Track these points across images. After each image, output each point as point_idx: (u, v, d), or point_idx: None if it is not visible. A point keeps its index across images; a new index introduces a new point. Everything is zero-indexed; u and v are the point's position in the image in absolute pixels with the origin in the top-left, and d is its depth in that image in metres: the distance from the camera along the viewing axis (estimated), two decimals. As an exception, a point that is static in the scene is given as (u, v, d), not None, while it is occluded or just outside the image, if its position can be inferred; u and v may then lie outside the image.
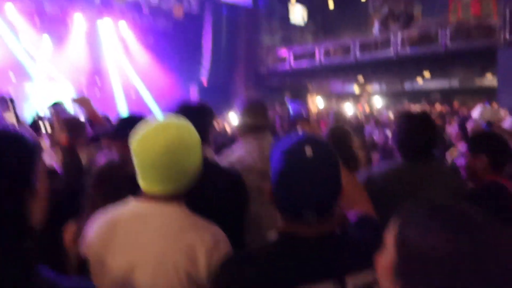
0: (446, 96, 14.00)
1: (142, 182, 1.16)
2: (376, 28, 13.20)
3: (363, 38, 13.19)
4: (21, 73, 13.43)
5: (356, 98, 14.82)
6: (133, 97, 16.05)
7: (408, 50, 12.20)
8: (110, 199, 1.32)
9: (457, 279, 0.58)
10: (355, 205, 1.15)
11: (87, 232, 1.22)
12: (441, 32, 11.40)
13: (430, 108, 11.89)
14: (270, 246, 1.02)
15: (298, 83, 15.82)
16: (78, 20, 14.12)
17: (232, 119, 11.38)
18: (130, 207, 1.19)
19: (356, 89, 16.21)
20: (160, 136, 1.13)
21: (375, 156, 5.16)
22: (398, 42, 12.27)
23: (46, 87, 13.81)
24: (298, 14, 16.65)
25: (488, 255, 0.59)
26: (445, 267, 0.59)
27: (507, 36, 10.03)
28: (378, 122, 9.80)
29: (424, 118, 1.79)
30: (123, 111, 15.57)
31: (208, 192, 1.29)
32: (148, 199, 1.17)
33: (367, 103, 13.65)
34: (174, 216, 1.17)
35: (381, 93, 14.95)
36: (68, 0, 13.32)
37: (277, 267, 0.87)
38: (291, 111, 1.54)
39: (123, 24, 15.19)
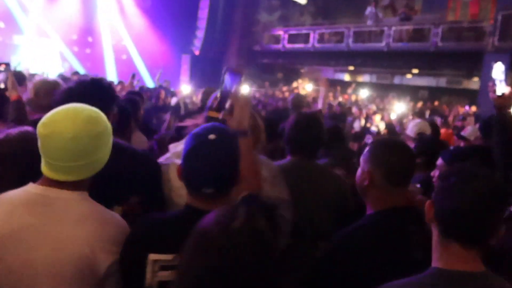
0: (433, 94, 14.13)
1: (44, 167, 1.15)
2: (368, 11, 13.11)
3: (358, 26, 13.14)
4: (12, 24, 13.27)
5: (345, 86, 14.88)
6: (123, 58, 15.98)
7: (400, 45, 12.22)
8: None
9: None
10: (248, 185, 1.29)
11: None
12: (433, 31, 11.41)
13: (413, 105, 12.06)
14: (176, 217, 1.21)
15: (290, 64, 15.81)
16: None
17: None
18: (30, 191, 1.15)
19: (346, 77, 16.26)
20: (68, 122, 1.11)
21: (354, 146, 5.29)
22: (391, 35, 12.28)
23: (36, 41, 13.68)
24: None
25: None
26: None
27: (496, 41, 10.09)
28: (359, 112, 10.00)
29: (311, 118, 1.95)
30: (112, 71, 15.62)
31: (113, 175, 1.29)
32: (50, 184, 1.14)
33: (353, 92, 13.74)
34: (75, 203, 1.15)
35: (370, 84, 15.01)
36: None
37: (180, 236, 0.96)
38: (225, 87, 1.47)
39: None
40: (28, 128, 1.44)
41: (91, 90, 1.63)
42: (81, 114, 1.14)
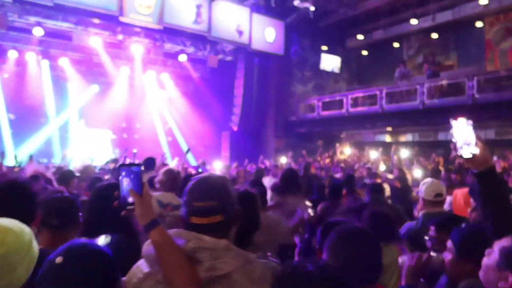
0: (483, 147, 13.21)
1: None
2: (397, 72, 13.07)
3: (391, 87, 13.05)
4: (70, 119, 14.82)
5: (387, 147, 14.42)
6: (169, 140, 16.96)
7: (436, 101, 11.86)
8: None
9: None
10: None
11: None
12: (468, 84, 11.01)
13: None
14: None
15: (328, 131, 15.79)
16: (123, 72, 15.41)
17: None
18: None
19: (387, 138, 15.82)
20: None
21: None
22: (424, 92, 12.00)
23: (89, 132, 15.05)
24: (330, 62, 16.88)
25: None
26: None
27: (538, 87, 9.48)
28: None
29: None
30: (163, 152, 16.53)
31: None
32: None
33: (395, 153, 13.24)
34: None
35: (413, 143, 14.43)
36: (115, 54, 14.61)
37: None
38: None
39: (165, 76, 16.35)
40: None
41: (6, 197, 1.65)
42: None
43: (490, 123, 12.36)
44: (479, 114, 11.09)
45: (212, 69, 16.17)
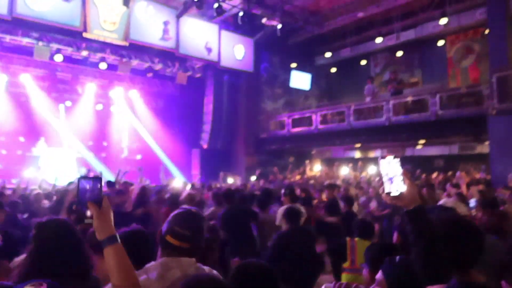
0: (448, 162, 13.52)
1: None
2: (366, 88, 13.33)
3: (358, 104, 13.23)
4: (30, 137, 14.27)
5: (356, 163, 14.55)
6: (137, 158, 16.57)
7: (401, 118, 12.09)
8: None
9: None
10: None
11: None
12: (431, 100, 11.28)
13: (426, 176, 11.47)
14: None
15: (298, 147, 15.82)
16: (90, 89, 15.03)
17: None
18: None
19: (357, 154, 15.99)
20: None
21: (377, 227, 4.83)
22: (390, 109, 12.21)
23: (52, 152, 14.51)
24: (300, 80, 17.04)
25: None
26: None
27: (496, 104, 9.77)
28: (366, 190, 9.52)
29: None
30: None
31: None
32: None
33: (362, 169, 13.38)
34: None
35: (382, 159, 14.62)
36: (80, 70, 14.26)
37: None
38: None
39: (133, 93, 16.06)
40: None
41: None
42: None
43: (453, 139, 12.69)
44: (442, 130, 11.37)
45: (181, 86, 16.00)
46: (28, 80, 13.64)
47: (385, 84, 16.01)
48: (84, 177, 1.44)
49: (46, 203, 6.99)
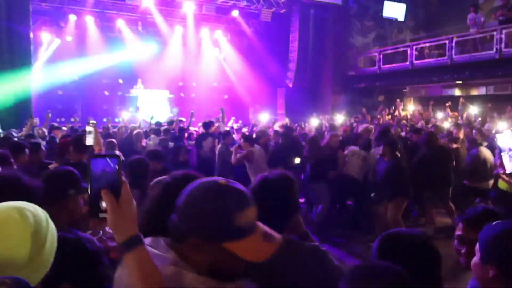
0: None
1: None
2: (469, 19, 11.57)
3: (461, 36, 11.75)
4: (128, 79, 15.29)
5: (455, 102, 13.27)
6: (225, 98, 16.99)
7: (513, 49, 10.52)
8: None
9: None
10: None
11: None
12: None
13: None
14: None
15: (389, 85, 14.81)
16: (178, 31, 15.40)
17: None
18: None
19: (457, 92, 14.51)
20: None
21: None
22: (502, 40, 10.66)
23: (148, 92, 15.44)
24: (394, 10, 15.48)
25: None
26: None
27: None
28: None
29: None
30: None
31: None
32: None
33: (463, 109, 12.14)
34: None
35: (487, 97, 13.12)
36: (168, 13, 14.57)
37: None
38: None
39: (218, 33, 16.11)
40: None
41: None
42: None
43: None
44: None
45: (266, 23, 15.60)
46: (122, 25, 14.36)
47: (494, 11, 13.87)
48: (96, 156, 1.08)
49: (145, 141, 7.55)
